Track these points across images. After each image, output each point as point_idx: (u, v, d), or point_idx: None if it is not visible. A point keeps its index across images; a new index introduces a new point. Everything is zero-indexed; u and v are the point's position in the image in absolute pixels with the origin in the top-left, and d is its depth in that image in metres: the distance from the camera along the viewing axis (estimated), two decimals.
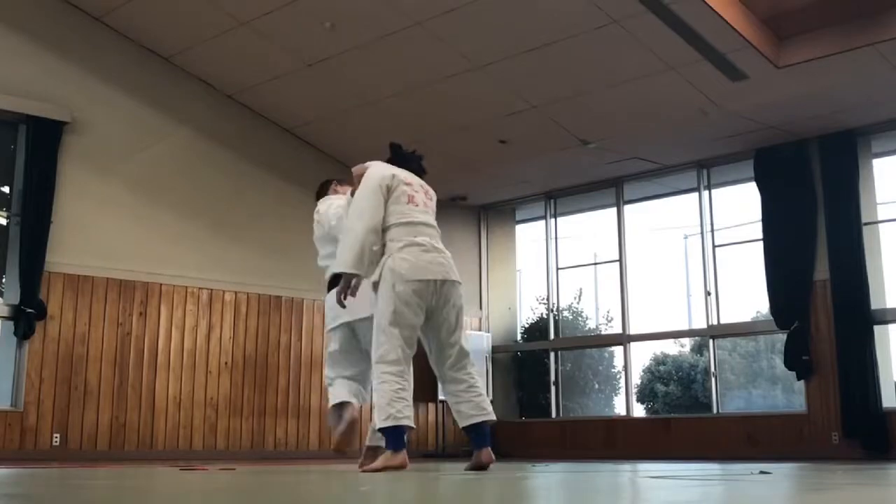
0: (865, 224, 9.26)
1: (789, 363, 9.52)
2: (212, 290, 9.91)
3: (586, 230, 12.55)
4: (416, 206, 5.15)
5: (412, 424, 4.84)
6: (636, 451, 10.17)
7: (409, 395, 4.91)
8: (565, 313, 12.77)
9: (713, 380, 10.34)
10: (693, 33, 7.89)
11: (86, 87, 9.39)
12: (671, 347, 13.88)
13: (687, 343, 13.61)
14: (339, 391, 5.64)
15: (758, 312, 11.21)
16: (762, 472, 4.57)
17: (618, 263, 11.13)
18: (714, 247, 10.42)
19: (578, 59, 8.58)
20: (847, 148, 9.36)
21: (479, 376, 5.11)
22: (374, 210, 5.02)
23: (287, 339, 10.37)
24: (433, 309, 5.00)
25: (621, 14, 7.86)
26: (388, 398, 4.77)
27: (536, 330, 12.25)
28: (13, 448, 8.48)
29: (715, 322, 10.34)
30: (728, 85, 8.49)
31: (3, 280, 9.07)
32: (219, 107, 10.21)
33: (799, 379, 9.53)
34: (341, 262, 4.99)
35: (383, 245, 5.02)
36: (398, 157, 5.43)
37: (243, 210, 10.27)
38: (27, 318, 8.68)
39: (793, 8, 7.96)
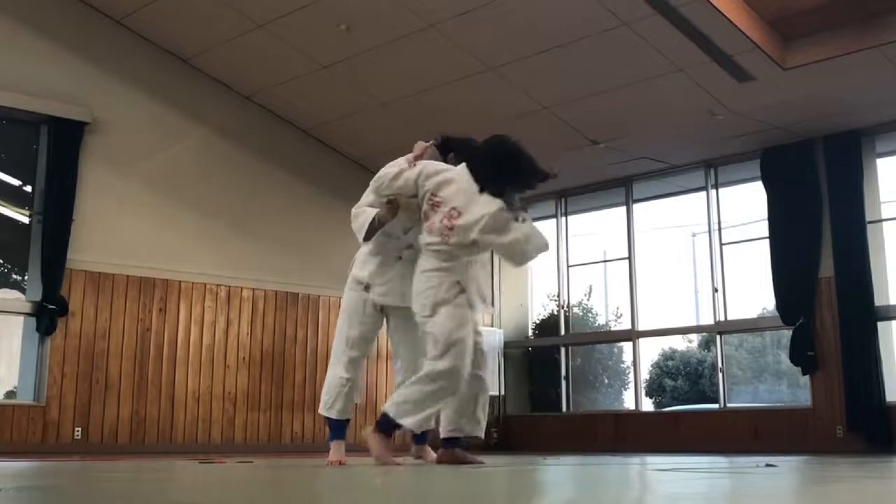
0: (869, 222, 9.31)
1: (795, 358, 9.59)
2: (230, 286, 10.02)
3: (596, 228, 12.56)
4: None
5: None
6: (645, 445, 10.21)
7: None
8: (576, 310, 12.87)
9: (720, 375, 10.39)
10: (701, 35, 7.95)
11: (106, 88, 9.48)
12: (679, 343, 14.03)
13: (695, 339, 13.74)
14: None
15: (764, 309, 11.32)
16: (768, 465, 4.61)
17: (627, 261, 11.16)
18: (721, 244, 10.43)
19: (588, 61, 8.65)
20: (852, 148, 9.40)
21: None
22: None
23: (303, 334, 10.46)
24: None
25: (631, 17, 7.93)
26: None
27: (547, 326, 12.26)
28: (36, 441, 8.58)
29: (722, 318, 10.37)
30: (735, 86, 8.55)
31: (26, 277, 9.19)
32: (237, 107, 10.31)
33: (804, 374, 9.60)
34: None
35: None
36: None
37: (261, 209, 10.35)
38: (49, 314, 8.79)
39: (799, 10, 8.00)
